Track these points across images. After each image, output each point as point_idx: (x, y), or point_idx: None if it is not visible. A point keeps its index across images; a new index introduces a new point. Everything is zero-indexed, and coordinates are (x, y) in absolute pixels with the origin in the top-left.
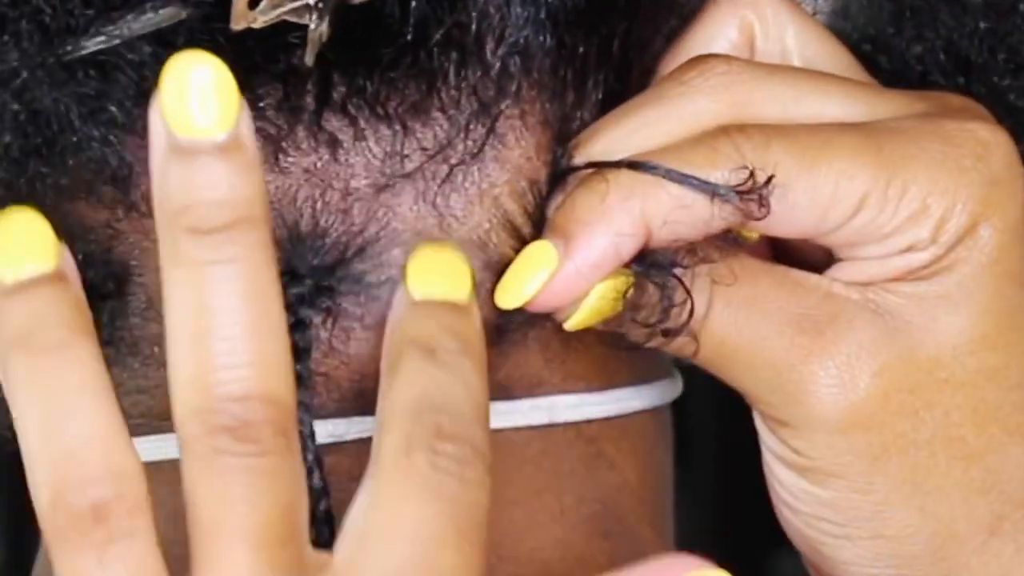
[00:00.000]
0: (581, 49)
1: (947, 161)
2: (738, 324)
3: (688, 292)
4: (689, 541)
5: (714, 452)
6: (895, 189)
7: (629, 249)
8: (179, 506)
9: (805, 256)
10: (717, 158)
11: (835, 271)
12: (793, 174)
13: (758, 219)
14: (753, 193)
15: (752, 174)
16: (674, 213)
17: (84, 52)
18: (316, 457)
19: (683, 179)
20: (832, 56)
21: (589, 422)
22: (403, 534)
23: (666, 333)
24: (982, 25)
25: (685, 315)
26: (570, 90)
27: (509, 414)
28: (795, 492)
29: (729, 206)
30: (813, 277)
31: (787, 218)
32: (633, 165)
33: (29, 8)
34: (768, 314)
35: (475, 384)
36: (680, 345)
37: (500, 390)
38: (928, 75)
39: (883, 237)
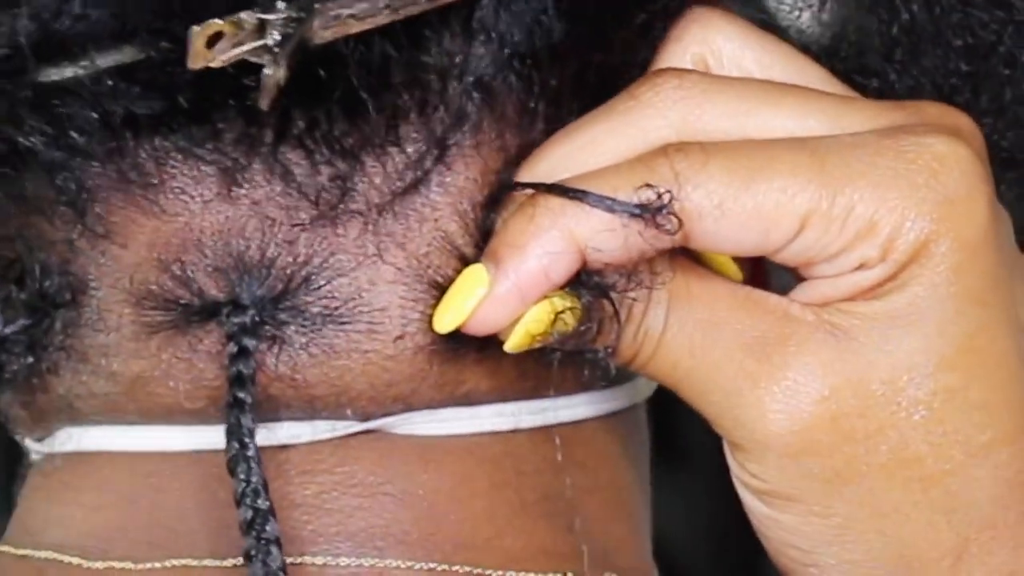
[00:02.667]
0: (554, 83)
1: (898, 178)
2: (691, 347)
3: (617, 315)
4: (683, 538)
5: (707, 449)
6: (840, 207)
7: (560, 271)
8: (135, 492)
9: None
10: (651, 178)
11: (796, 292)
12: (730, 192)
13: (672, 235)
14: (663, 213)
15: (660, 195)
16: (601, 236)
17: (50, 80)
18: (262, 480)
19: (601, 203)
20: (802, 72)
21: (559, 425)
22: None
23: (592, 353)
24: (963, 67)
25: (633, 337)
26: (540, 121)
27: (472, 419)
28: (760, 518)
29: (655, 228)
30: (773, 298)
31: (728, 237)
32: (554, 188)
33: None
34: (721, 338)
35: None
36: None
37: (466, 398)
38: None
39: (832, 256)
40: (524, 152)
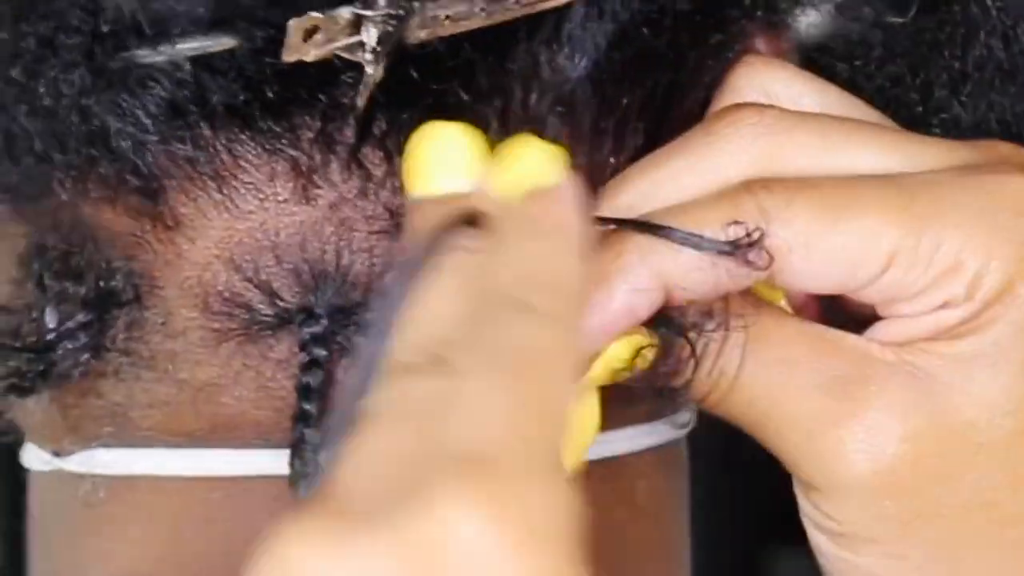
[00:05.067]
0: (625, 100)
1: (983, 216)
2: (769, 386)
3: (695, 354)
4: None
5: (713, 450)
6: (927, 245)
7: (645, 309)
8: (182, 522)
9: (855, 310)
10: (737, 215)
11: (874, 330)
12: (817, 230)
13: (760, 273)
14: (755, 250)
15: (749, 233)
16: (689, 274)
17: (132, 64)
18: None
19: (689, 240)
20: (860, 116)
21: (608, 459)
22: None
23: (674, 391)
24: None
25: (708, 375)
26: (609, 139)
27: None
28: (832, 560)
29: (745, 265)
30: (850, 338)
31: (813, 275)
32: (641, 225)
33: (86, 18)
34: (799, 377)
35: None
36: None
37: None
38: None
39: (916, 294)
40: (594, 176)
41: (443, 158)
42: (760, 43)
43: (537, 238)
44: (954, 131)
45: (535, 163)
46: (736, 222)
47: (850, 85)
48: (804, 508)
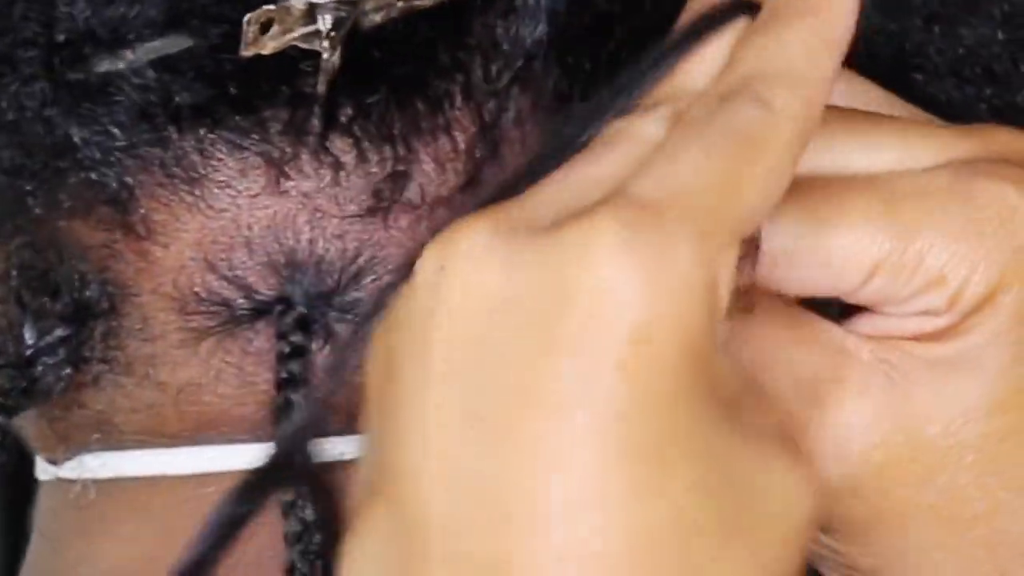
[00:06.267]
0: (588, 67)
1: (968, 226)
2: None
3: None
4: None
5: None
6: (911, 257)
7: None
8: (172, 520)
9: None
10: None
11: (854, 321)
12: (799, 241)
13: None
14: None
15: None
16: None
17: (90, 74)
18: (312, 489)
19: None
20: (863, 94)
21: None
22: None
23: None
24: (1001, 36)
25: None
26: (577, 103)
27: None
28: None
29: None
30: (829, 330)
31: (800, 282)
32: None
33: (40, 30)
34: (773, 379)
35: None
36: None
37: None
38: (962, 85)
39: (899, 302)
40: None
41: None
42: None
43: (803, 17)
44: (931, 71)
45: None
46: None
47: None
48: None
